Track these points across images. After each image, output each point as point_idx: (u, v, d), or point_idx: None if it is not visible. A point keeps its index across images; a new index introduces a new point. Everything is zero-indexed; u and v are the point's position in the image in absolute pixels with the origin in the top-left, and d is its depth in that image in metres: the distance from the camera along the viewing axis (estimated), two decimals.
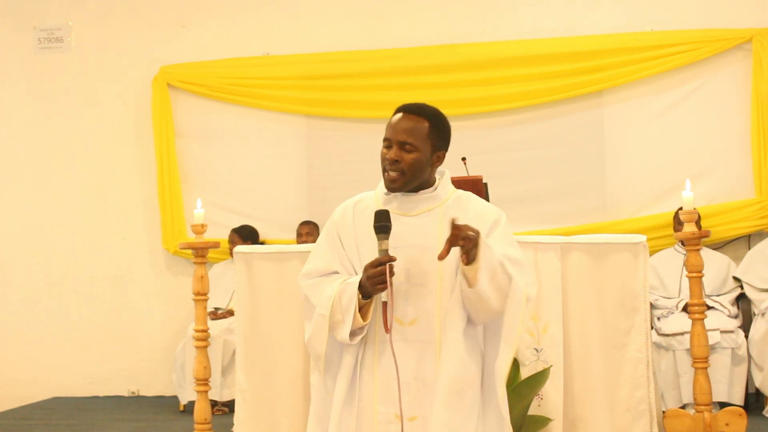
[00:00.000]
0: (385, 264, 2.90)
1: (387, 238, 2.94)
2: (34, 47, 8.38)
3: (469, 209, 3.07)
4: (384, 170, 3.07)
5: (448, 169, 3.19)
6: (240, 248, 5.07)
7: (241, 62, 8.01)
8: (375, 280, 2.91)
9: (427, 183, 3.11)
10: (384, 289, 2.91)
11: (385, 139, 3.08)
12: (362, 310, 2.98)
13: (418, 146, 3.03)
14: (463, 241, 2.84)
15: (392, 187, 3.06)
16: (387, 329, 2.95)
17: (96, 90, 8.28)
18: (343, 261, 3.10)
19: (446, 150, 3.13)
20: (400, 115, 3.09)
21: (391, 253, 2.93)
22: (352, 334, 2.99)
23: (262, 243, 7.55)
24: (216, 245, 5.22)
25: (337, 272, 3.10)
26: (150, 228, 8.12)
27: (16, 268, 8.31)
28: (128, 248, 8.17)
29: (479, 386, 3.01)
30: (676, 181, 6.77)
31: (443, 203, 3.09)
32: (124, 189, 8.20)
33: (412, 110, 3.10)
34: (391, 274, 2.90)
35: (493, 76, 7.59)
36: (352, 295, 2.97)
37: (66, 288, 8.23)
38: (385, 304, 2.95)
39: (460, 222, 2.86)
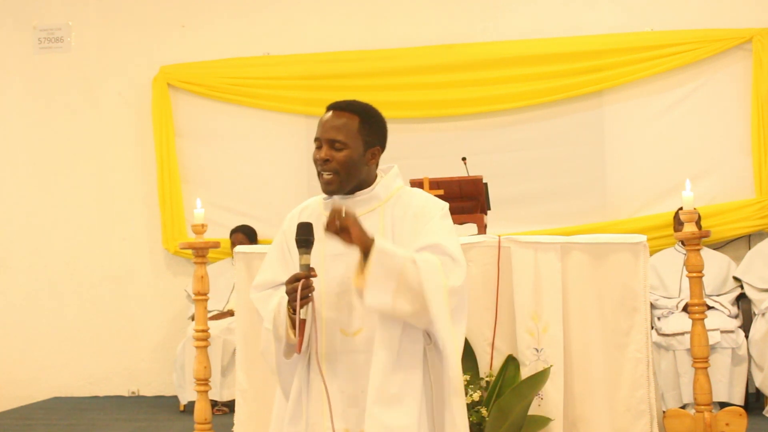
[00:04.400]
0: (300, 279, 2.76)
1: (308, 252, 2.79)
2: (34, 47, 8.38)
3: (410, 206, 2.93)
4: (318, 173, 2.94)
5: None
6: (240, 248, 5.07)
7: (241, 62, 8.01)
8: (291, 297, 2.78)
9: (366, 183, 2.98)
10: (302, 305, 2.76)
11: (315, 139, 2.96)
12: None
13: (348, 143, 2.91)
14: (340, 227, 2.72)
15: (328, 189, 2.93)
16: (299, 349, 2.80)
17: (96, 90, 8.28)
18: (292, 271, 2.92)
19: (382, 146, 3.01)
20: (329, 113, 2.97)
21: (330, 261, 2.81)
22: (290, 350, 2.87)
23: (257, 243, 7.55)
24: (216, 245, 5.21)
25: None
26: (150, 228, 8.12)
27: (17, 268, 8.31)
28: (128, 248, 8.17)
29: (420, 393, 2.84)
30: (676, 181, 6.76)
31: (384, 203, 2.96)
32: (124, 189, 8.20)
33: (340, 107, 2.99)
34: (310, 290, 2.77)
35: (493, 76, 7.59)
36: (285, 311, 2.86)
37: (66, 288, 8.22)
38: (302, 321, 2.79)
39: (340, 209, 2.75)
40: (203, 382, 5.08)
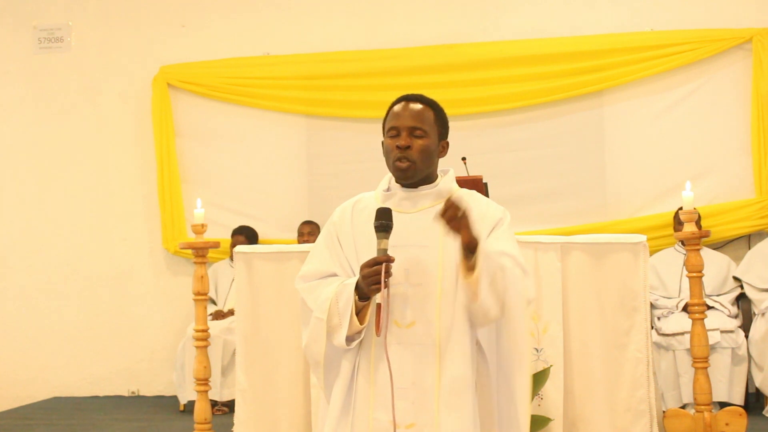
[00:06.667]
0: (381, 263, 2.77)
1: (387, 238, 2.82)
2: (34, 47, 8.39)
3: (474, 207, 2.94)
4: (393, 162, 2.96)
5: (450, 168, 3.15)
6: (240, 248, 5.07)
7: (241, 62, 8.02)
8: (370, 280, 2.79)
9: (430, 178, 3.02)
10: (379, 290, 2.78)
11: (391, 128, 2.98)
12: (360, 313, 2.86)
13: (427, 132, 2.97)
14: (455, 219, 2.76)
15: (403, 177, 2.96)
16: (378, 332, 2.83)
17: (96, 90, 8.28)
18: (341, 262, 2.98)
19: (448, 139, 3.08)
20: (403, 103, 3.03)
21: (389, 252, 2.80)
22: (349, 338, 2.88)
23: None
24: (216, 245, 5.22)
25: (335, 274, 2.98)
26: (150, 228, 8.12)
27: (17, 268, 8.31)
28: (128, 248, 8.17)
29: (474, 388, 2.90)
30: (676, 181, 6.77)
31: (445, 200, 2.98)
32: (124, 189, 8.20)
33: (415, 98, 3.05)
34: (388, 274, 2.78)
35: (493, 76, 7.59)
36: (348, 298, 2.85)
37: (66, 288, 8.23)
38: (379, 305, 2.83)
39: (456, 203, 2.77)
40: (203, 382, 5.08)
